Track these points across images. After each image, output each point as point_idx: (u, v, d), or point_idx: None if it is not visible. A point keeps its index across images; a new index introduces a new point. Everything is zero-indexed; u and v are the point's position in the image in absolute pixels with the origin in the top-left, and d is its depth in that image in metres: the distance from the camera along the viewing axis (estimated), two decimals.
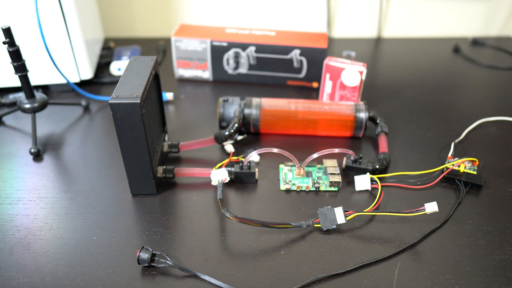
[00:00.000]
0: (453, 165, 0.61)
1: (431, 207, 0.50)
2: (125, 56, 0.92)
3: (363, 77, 0.72)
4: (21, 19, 0.72)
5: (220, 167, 0.60)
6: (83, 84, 0.84)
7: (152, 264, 0.47)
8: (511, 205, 0.57)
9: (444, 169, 0.61)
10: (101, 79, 0.86)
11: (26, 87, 0.66)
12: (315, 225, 0.52)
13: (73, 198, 0.57)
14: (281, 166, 0.63)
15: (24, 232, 0.52)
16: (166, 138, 0.66)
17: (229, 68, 0.86)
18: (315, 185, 0.59)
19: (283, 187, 0.60)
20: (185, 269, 0.46)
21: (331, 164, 0.62)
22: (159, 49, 1.00)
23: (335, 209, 0.52)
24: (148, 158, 0.53)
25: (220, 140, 0.64)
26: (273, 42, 0.82)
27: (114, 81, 0.86)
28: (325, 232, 0.53)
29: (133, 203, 0.57)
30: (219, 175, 0.56)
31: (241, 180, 0.60)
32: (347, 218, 0.52)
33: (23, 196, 0.58)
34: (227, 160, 0.61)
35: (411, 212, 0.51)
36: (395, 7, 1.09)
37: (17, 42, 0.61)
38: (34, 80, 0.76)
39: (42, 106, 0.68)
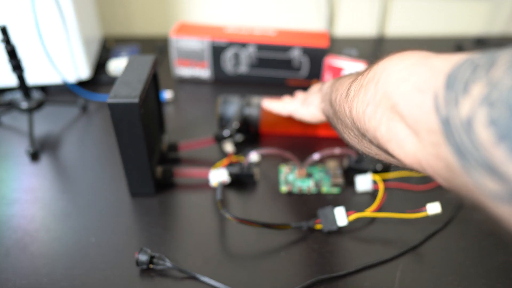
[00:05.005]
0: None
1: (433, 208, 0.49)
2: (123, 55, 0.91)
3: None
4: (18, 17, 0.71)
5: (219, 167, 0.59)
6: (81, 83, 0.83)
7: (151, 265, 0.46)
8: None
9: None
10: (99, 78, 0.86)
11: (23, 86, 0.65)
12: (316, 226, 0.52)
13: (71, 199, 0.57)
14: (282, 167, 0.63)
15: (21, 233, 0.51)
16: (165, 138, 0.65)
17: (229, 67, 0.86)
18: (316, 186, 0.59)
19: (283, 188, 0.59)
20: (184, 271, 0.46)
21: (332, 165, 0.62)
22: (158, 48, 0.99)
23: (336, 210, 0.52)
24: (146, 158, 0.53)
25: (219, 140, 0.63)
26: (273, 41, 0.82)
27: (112, 80, 0.85)
28: (326, 233, 0.52)
29: (131, 204, 0.56)
30: (219, 175, 0.56)
31: (241, 181, 0.60)
32: (349, 219, 0.51)
33: (20, 197, 0.57)
34: (227, 160, 0.61)
35: (413, 213, 0.51)
36: (397, 6, 1.08)
37: (13, 41, 0.60)
38: (31, 80, 0.75)
39: (39, 105, 0.67)
